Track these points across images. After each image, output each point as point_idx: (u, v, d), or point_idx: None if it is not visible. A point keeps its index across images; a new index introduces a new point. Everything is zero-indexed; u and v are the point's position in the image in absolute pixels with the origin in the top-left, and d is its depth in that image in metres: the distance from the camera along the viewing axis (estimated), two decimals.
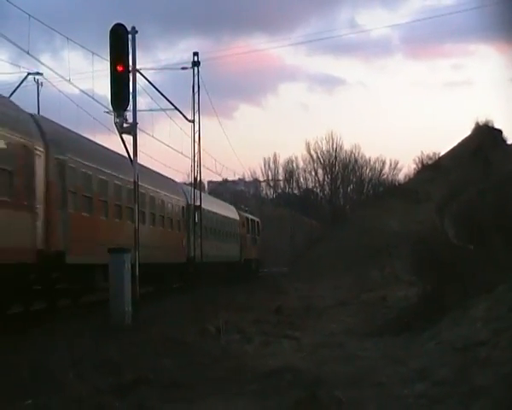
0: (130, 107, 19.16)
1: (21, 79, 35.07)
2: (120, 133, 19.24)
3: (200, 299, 24.02)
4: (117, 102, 18.51)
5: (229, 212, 46.65)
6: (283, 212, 75.23)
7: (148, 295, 25.43)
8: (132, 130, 19.41)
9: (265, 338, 15.96)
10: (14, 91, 32.16)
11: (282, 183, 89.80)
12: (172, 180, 35.86)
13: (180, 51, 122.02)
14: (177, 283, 32.33)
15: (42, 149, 17.94)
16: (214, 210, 40.65)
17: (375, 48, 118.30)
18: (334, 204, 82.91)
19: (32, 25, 22.30)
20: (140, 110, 22.17)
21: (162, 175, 33.29)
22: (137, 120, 19.70)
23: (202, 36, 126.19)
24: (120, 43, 18.28)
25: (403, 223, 55.01)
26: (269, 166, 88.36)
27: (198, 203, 34.05)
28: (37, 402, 9.19)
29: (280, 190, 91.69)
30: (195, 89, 33.42)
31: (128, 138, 19.55)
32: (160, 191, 29.66)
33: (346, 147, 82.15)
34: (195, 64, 33.18)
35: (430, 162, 76.81)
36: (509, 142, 71.84)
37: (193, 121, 33.14)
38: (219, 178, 66.59)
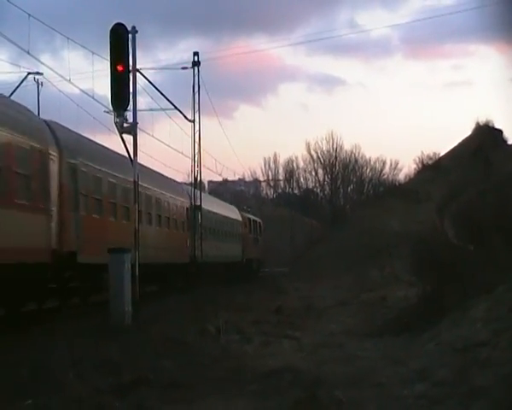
0: (131, 107, 19.16)
1: (21, 79, 35.12)
2: (120, 133, 19.24)
3: (201, 299, 24.02)
4: (117, 101, 18.51)
5: (232, 213, 47.05)
6: (283, 212, 75.20)
7: (148, 294, 25.50)
8: (132, 130, 19.41)
9: (265, 338, 15.95)
10: (15, 91, 32.20)
11: (282, 183, 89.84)
12: (177, 182, 36.21)
13: (180, 51, 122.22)
14: (181, 282, 32.55)
15: (56, 154, 18.74)
16: (217, 211, 41.07)
17: (374, 48, 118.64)
18: (335, 204, 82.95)
19: (32, 24, 22.38)
20: (140, 110, 22.19)
21: (168, 177, 33.83)
22: (137, 120, 19.70)
23: (202, 36, 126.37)
24: (120, 43, 18.27)
25: (403, 223, 55.04)
26: (269, 166, 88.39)
27: (197, 203, 34.14)
28: (37, 402, 9.19)
29: (280, 190, 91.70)
30: (195, 89, 33.49)
31: (128, 138, 19.56)
32: (165, 193, 30.20)
33: (347, 147, 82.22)
34: (195, 64, 33.20)
35: (430, 162, 76.90)
36: (509, 142, 71.96)
37: (193, 121, 33.18)
38: (219, 178, 66.68)
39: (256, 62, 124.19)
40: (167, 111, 30.04)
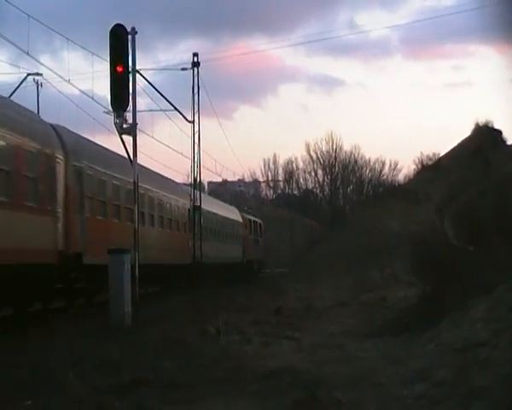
0: (130, 107, 19.18)
1: (21, 80, 35.09)
2: (120, 134, 19.25)
3: (201, 300, 24.03)
4: (117, 102, 18.51)
5: (233, 214, 47.33)
6: (283, 212, 75.23)
7: (149, 295, 25.57)
8: (132, 130, 19.42)
9: (265, 339, 15.95)
10: (14, 92, 32.17)
11: (281, 183, 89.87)
12: (178, 183, 36.50)
13: (180, 52, 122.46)
14: (183, 283, 32.71)
15: (62, 157, 19.22)
16: (218, 212, 41.36)
17: (374, 49, 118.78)
18: (334, 205, 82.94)
19: (31, 25, 22.32)
20: (140, 111, 22.20)
21: (169, 179, 34.37)
22: (137, 121, 19.72)
23: (202, 37, 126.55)
24: (120, 44, 18.28)
25: (402, 223, 55.06)
26: (268, 166, 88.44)
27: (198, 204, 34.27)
28: (37, 403, 9.19)
29: (280, 191, 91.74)
30: (195, 89, 33.43)
31: (128, 139, 19.57)
32: (167, 195, 30.64)
33: (346, 148, 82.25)
34: (195, 65, 33.17)
35: (430, 163, 76.95)
36: (508, 142, 71.95)
37: (193, 122, 33.15)
38: (219, 179, 66.68)
39: (256, 63, 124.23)
40: (167, 112, 30.10)
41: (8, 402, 9.20)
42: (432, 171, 72.36)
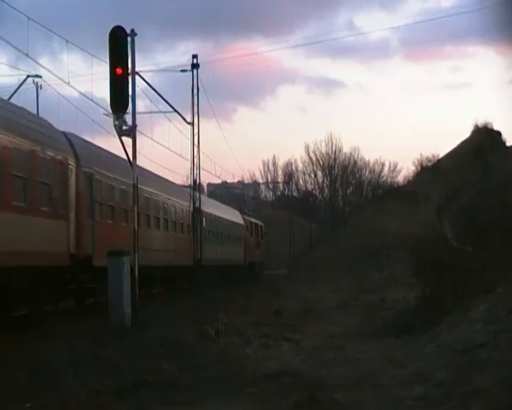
0: (130, 109, 19.18)
1: (20, 82, 35.04)
2: (120, 136, 19.25)
3: (202, 301, 24.05)
4: (116, 104, 18.50)
5: (234, 216, 47.75)
6: (283, 214, 75.25)
7: (150, 296, 25.63)
8: (131, 132, 19.42)
9: (265, 341, 15.93)
10: (14, 94, 32.16)
11: (281, 185, 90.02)
12: (181, 187, 36.87)
13: (179, 54, 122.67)
14: (185, 284, 32.94)
15: (73, 164, 20.18)
16: (220, 215, 41.91)
17: (373, 50, 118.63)
18: (334, 206, 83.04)
19: (31, 27, 22.34)
20: (139, 113, 22.21)
21: (173, 183, 35.48)
22: (136, 123, 19.72)
23: (201, 39, 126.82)
24: (119, 46, 18.28)
25: (402, 225, 55.09)
26: (268, 168, 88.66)
27: (202, 207, 34.62)
28: (37, 404, 9.18)
29: (279, 193, 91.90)
30: (195, 91, 33.48)
31: (127, 141, 19.57)
32: (171, 198, 31.25)
33: (346, 149, 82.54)
34: (195, 66, 33.22)
35: (429, 164, 77.00)
36: (508, 144, 71.97)
37: (192, 124, 33.18)
38: (218, 181, 66.75)
39: (255, 65, 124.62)
40: (166, 114, 30.22)
41: (7, 404, 9.19)
42: (431, 172, 72.41)
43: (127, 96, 18.69)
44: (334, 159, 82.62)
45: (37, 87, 37.58)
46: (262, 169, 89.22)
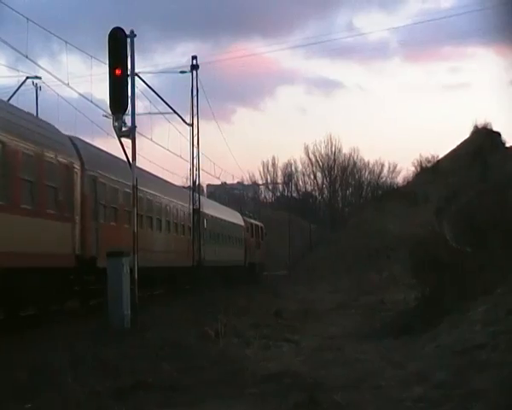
0: (129, 110, 19.17)
1: (20, 83, 35.06)
2: (119, 137, 19.23)
3: (202, 302, 24.04)
4: (115, 105, 18.50)
5: (235, 218, 48.14)
6: (282, 215, 75.25)
7: (150, 297, 25.67)
8: (131, 133, 19.41)
9: (265, 342, 15.93)
10: (13, 95, 32.17)
11: (280, 186, 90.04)
12: (182, 189, 37.86)
13: (179, 55, 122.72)
14: (187, 286, 33.06)
15: (78, 167, 20.72)
16: (220, 216, 42.36)
17: (372, 51, 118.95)
18: (333, 207, 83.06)
19: (30, 29, 22.31)
20: (139, 114, 22.28)
21: (176, 185, 36.50)
22: (136, 124, 19.70)
23: (201, 40, 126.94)
24: (119, 47, 18.27)
25: (401, 226, 55.08)
26: (267, 169, 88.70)
27: (202, 209, 34.84)
28: (37, 405, 9.18)
29: (279, 194, 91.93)
30: (194, 92, 33.49)
31: (127, 142, 19.55)
32: (173, 200, 31.77)
33: (345, 150, 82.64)
34: (194, 68, 33.23)
35: (429, 165, 77.06)
36: (507, 144, 72.03)
37: (191, 125, 33.18)
38: (218, 182, 66.77)
39: (254, 66, 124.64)
40: (166, 115, 30.14)
41: (7, 404, 9.20)
42: (431, 173, 72.45)
43: (126, 98, 18.68)
44: (334, 160, 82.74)
45: (37, 88, 37.57)
46: (261, 170, 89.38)
